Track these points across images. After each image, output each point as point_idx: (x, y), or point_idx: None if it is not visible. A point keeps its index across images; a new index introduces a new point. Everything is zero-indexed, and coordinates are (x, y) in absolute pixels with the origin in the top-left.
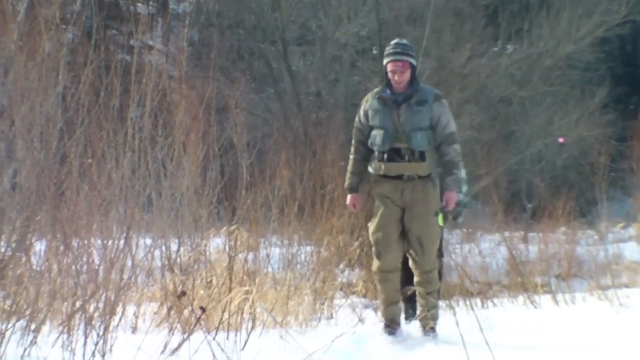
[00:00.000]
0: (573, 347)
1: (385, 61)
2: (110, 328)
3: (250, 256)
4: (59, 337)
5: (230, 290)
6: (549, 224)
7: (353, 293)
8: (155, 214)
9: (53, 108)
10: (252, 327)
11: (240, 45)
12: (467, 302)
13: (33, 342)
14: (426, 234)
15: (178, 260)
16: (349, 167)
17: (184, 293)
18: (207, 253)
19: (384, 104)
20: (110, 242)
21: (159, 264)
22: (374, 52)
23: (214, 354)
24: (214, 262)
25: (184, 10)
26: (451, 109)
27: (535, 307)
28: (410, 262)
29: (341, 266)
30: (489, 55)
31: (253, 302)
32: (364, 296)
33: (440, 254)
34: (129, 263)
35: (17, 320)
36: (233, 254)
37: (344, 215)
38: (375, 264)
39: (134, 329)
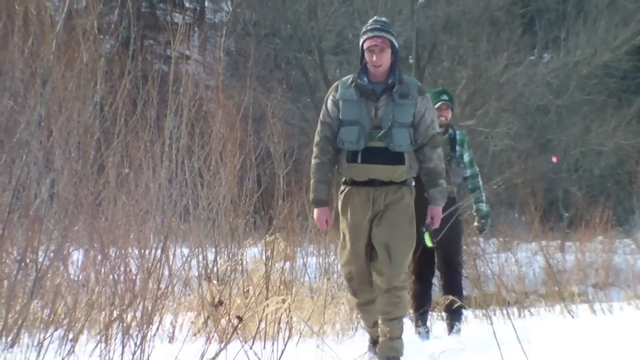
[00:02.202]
0: (611, 357)
1: (362, 40)
2: (148, 337)
3: (287, 265)
4: (96, 346)
5: (267, 299)
6: (586, 233)
7: None
8: (192, 224)
9: (91, 118)
10: (289, 337)
11: (276, 54)
12: (504, 312)
13: (71, 352)
14: (395, 241)
15: (215, 269)
16: (314, 174)
17: (220, 302)
18: (244, 262)
19: (360, 93)
20: (147, 252)
21: (196, 273)
22: (410, 61)
23: None
24: (251, 271)
25: (220, 20)
26: (488, 117)
27: (573, 317)
28: (375, 277)
29: None
30: (526, 64)
31: (290, 311)
32: None
33: (459, 267)
34: (166, 272)
35: (55, 330)
36: (270, 264)
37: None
38: (352, 300)
39: (171, 339)
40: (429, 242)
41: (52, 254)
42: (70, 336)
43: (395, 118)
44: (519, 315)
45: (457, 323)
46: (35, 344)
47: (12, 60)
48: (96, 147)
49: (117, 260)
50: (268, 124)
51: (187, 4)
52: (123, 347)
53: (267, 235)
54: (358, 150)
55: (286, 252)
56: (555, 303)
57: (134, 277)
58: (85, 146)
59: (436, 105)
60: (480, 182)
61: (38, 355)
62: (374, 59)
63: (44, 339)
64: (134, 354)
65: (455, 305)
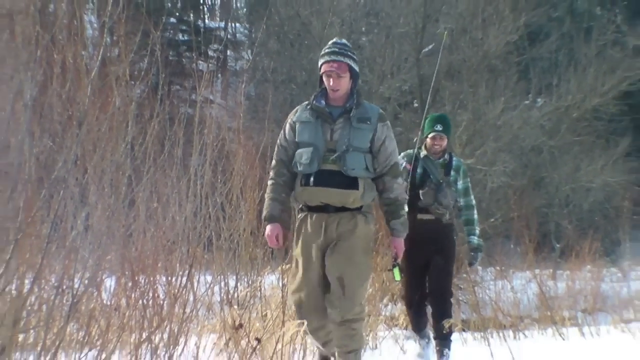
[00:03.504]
0: None
1: (319, 63)
2: (174, 357)
3: None
4: None
5: (283, 323)
6: (576, 263)
7: (395, 325)
8: (215, 253)
9: (122, 157)
10: (304, 357)
11: (292, 99)
12: (501, 334)
13: None
14: (349, 273)
15: (236, 295)
16: (268, 193)
17: (241, 325)
18: (262, 289)
19: (316, 116)
20: (174, 279)
21: (218, 298)
22: (415, 105)
23: None
24: (269, 297)
25: (241, 68)
26: (486, 157)
27: (563, 339)
28: (328, 310)
29: (385, 301)
30: (521, 108)
31: (304, 333)
32: (405, 328)
33: (449, 295)
34: (191, 298)
35: (89, 350)
36: (286, 290)
37: (387, 255)
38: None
39: (196, 358)
40: (397, 277)
41: (86, 281)
42: (103, 356)
43: (351, 142)
44: (514, 338)
45: (446, 350)
46: None
47: (51, 104)
48: (127, 184)
49: (146, 286)
50: None
51: (211, 53)
52: None
53: (283, 264)
54: (311, 173)
55: None
56: (548, 326)
57: (161, 302)
58: (117, 183)
59: (430, 135)
60: (476, 215)
61: None
62: (331, 83)
63: (79, 359)
64: None
65: (445, 331)
